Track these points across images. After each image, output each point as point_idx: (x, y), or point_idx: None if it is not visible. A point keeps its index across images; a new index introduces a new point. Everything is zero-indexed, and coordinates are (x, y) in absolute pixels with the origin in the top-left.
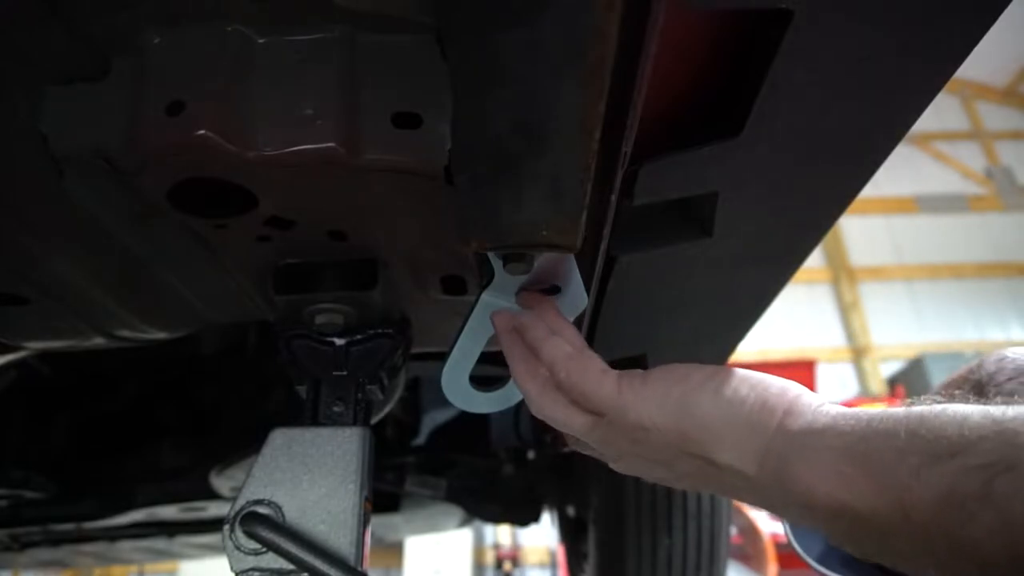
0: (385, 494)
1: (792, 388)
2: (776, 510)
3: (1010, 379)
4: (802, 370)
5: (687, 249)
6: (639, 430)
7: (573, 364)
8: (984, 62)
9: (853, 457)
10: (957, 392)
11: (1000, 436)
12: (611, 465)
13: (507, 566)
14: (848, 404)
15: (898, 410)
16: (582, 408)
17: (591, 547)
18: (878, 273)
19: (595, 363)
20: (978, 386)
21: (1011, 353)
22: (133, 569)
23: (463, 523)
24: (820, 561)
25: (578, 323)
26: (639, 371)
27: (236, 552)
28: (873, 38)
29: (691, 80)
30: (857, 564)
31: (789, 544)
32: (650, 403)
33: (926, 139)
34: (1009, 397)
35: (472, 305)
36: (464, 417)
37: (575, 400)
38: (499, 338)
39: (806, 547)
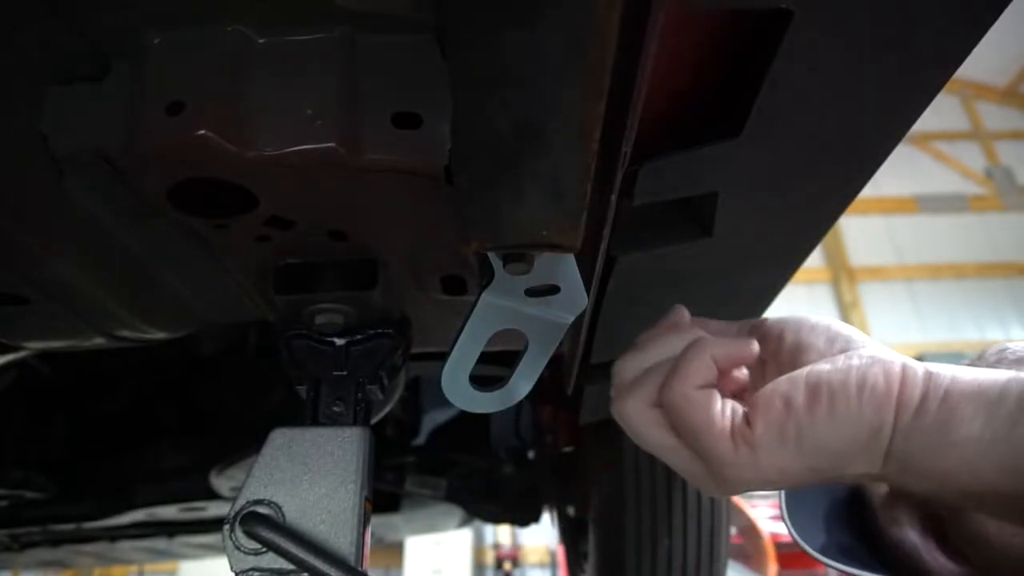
0: (385, 494)
1: (893, 374)
2: (903, 491)
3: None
4: None
5: (687, 249)
6: (764, 483)
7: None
8: (984, 62)
9: (980, 449)
10: None
11: None
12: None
13: (507, 566)
14: None
15: (1005, 381)
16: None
17: (591, 547)
18: (878, 273)
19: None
20: None
21: (1012, 345)
22: (133, 569)
23: (463, 523)
24: (821, 551)
25: (578, 323)
26: (745, 415)
27: (236, 552)
28: (873, 38)
29: (691, 80)
30: (857, 554)
31: (793, 543)
32: (770, 456)
33: (926, 139)
34: None
35: (472, 305)
36: (464, 417)
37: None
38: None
39: (806, 538)
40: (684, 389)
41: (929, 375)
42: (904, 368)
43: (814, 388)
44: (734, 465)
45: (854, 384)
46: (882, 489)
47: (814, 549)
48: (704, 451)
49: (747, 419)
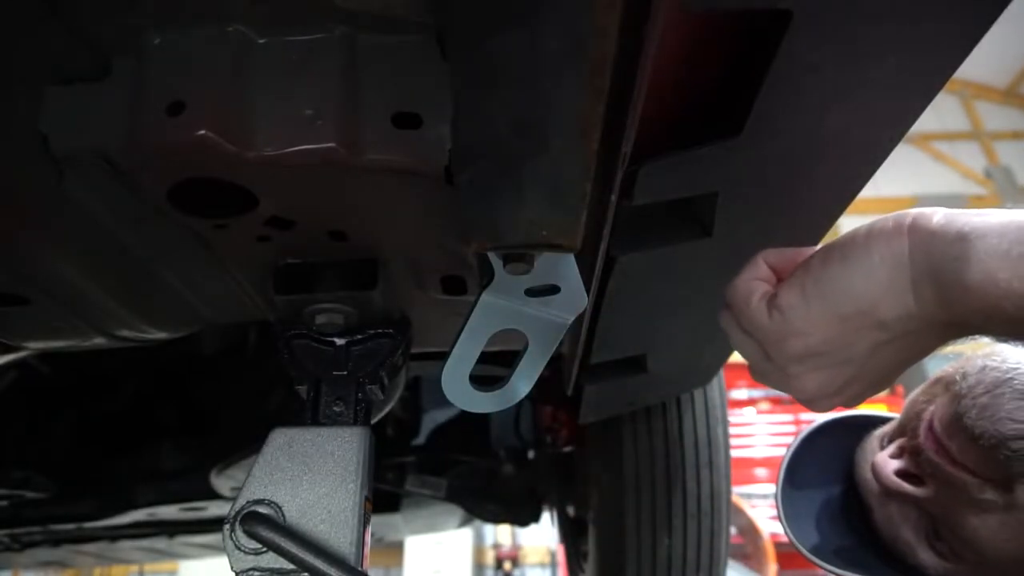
0: (385, 494)
1: (904, 215)
2: (962, 330)
3: (985, 392)
4: None
5: (687, 249)
6: (807, 349)
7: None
8: (984, 62)
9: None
10: (943, 395)
11: None
12: (799, 387)
13: (507, 566)
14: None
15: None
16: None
17: (591, 547)
18: None
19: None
20: (956, 397)
21: (992, 362)
22: (133, 569)
23: (463, 523)
24: (814, 552)
25: (578, 323)
26: (774, 291)
27: (236, 552)
28: (873, 38)
29: (691, 80)
30: (850, 554)
31: (790, 543)
32: (799, 315)
33: (926, 139)
34: (982, 411)
35: (472, 305)
36: (464, 417)
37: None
38: None
39: (801, 538)
40: (735, 282)
41: (942, 211)
42: (917, 212)
43: (827, 248)
44: (775, 332)
45: (863, 232)
46: (877, 488)
47: (808, 549)
48: (753, 328)
49: (780, 295)
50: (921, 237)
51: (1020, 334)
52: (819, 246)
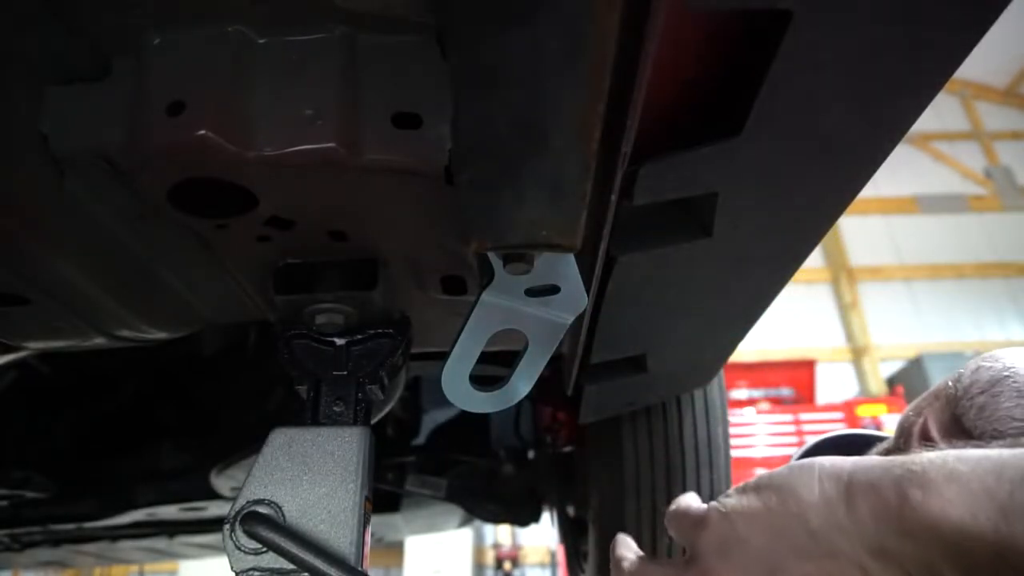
0: (385, 494)
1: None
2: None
3: (982, 392)
4: (802, 370)
5: (687, 249)
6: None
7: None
8: (984, 62)
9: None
10: (935, 404)
11: None
12: None
13: (507, 566)
14: (847, 404)
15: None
16: None
17: (591, 547)
18: (878, 273)
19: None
20: (953, 400)
21: (987, 363)
22: (133, 569)
23: (463, 523)
24: None
25: (578, 323)
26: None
27: (236, 552)
28: (873, 38)
29: (691, 80)
30: None
31: None
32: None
33: (926, 139)
34: (980, 411)
35: (472, 305)
36: (464, 417)
37: None
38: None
39: None
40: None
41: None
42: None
43: (736, 511)
44: (713, 533)
45: (777, 502)
46: None
47: None
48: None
49: None
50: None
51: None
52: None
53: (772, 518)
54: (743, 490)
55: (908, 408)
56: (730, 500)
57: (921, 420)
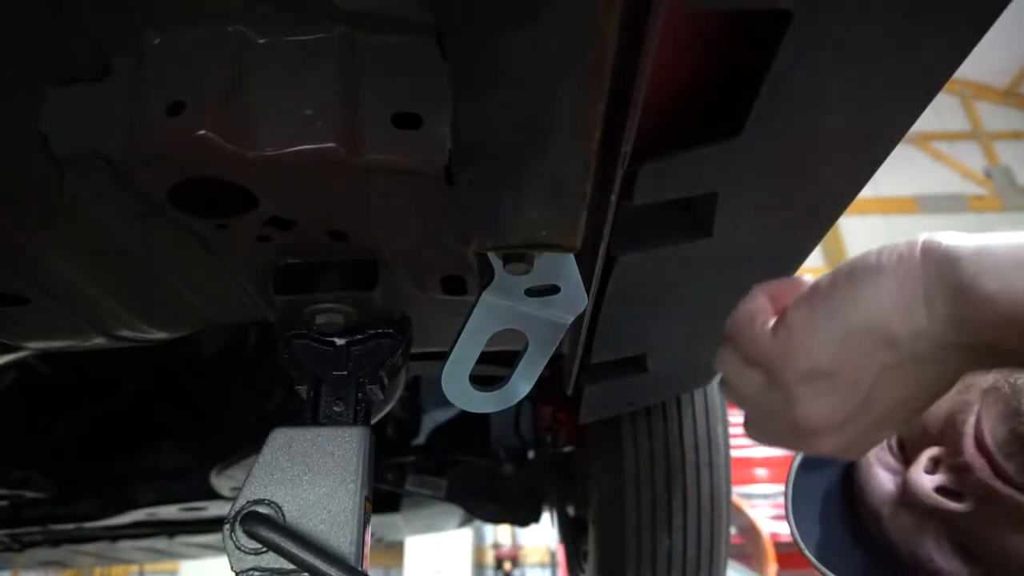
0: (385, 494)
1: (917, 239)
2: (974, 356)
3: None
4: None
5: (687, 249)
6: (815, 368)
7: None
8: (984, 62)
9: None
10: (986, 401)
11: None
12: (805, 413)
13: (507, 566)
14: None
15: None
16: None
17: (591, 547)
18: None
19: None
20: (1012, 413)
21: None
22: (134, 569)
23: (463, 523)
24: (818, 547)
25: (578, 323)
26: (778, 318)
27: (236, 552)
28: (873, 38)
29: (691, 80)
30: (853, 553)
31: (793, 542)
32: (806, 333)
33: (926, 139)
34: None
35: (472, 305)
36: (464, 417)
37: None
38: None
39: (804, 535)
40: (734, 314)
41: (954, 232)
42: (929, 234)
43: (835, 269)
44: (781, 351)
45: (874, 253)
46: (891, 492)
47: (810, 548)
48: (756, 353)
49: (787, 319)
50: (935, 255)
51: None
52: (819, 275)
53: (850, 331)
54: (810, 301)
55: (943, 398)
56: (800, 315)
57: (971, 420)
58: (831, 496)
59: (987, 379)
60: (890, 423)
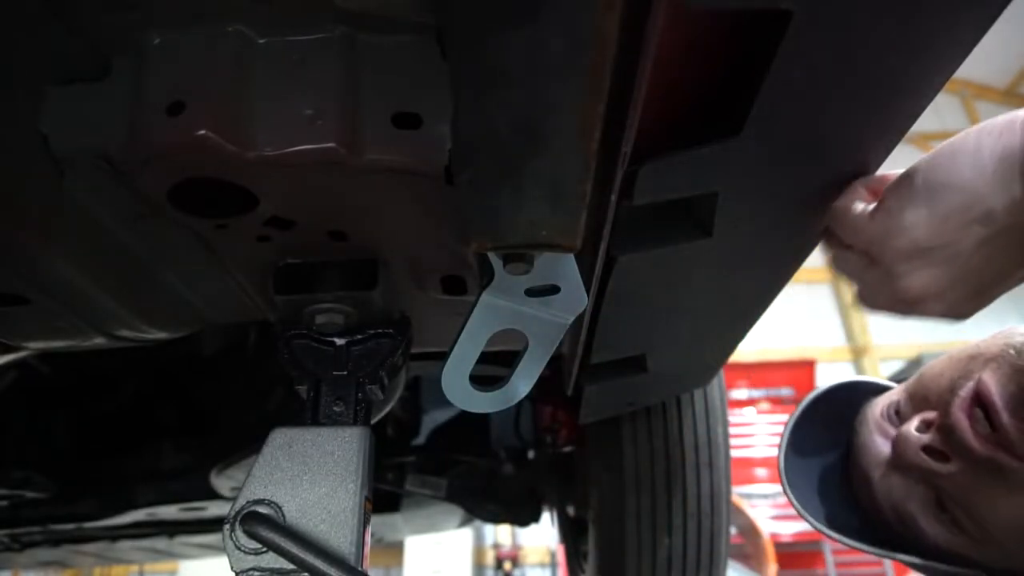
0: (385, 494)
1: (1017, 114)
2: None
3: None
4: (802, 370)
5: (687, 249)
6: (913, 245)
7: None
8: (984, 62)
9: None
10: (991, 366)
11: None
12: (905, 287)
13: (507, 566)
14: None
15: None
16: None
17: (591, 547)
18: None
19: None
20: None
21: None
22: (133, 569)
23: (463, 523)
24: (829, 523)
25: (578, 323)
26: (875, 202)
27: (236, 552)
28: (873, 38)
29: (691, 80)
30: (865, 532)
31: (793, 539)
32: (904, 211)
33: (926, 139)
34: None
35: (472, 305)
36: (464, 417)
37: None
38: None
39: (812, 512)
40: (834, 204)
41: None
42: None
43: (934, 150)
44: (881, 231)
45: (973, 131)
46: (884, 455)
47: (820, 522)
48: (856, 234)
49: (883, 203)
50: None
51: None
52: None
53: (948, 208)
54: (906, 183)
55: (942, 364)
56: (897, 196)
57: (970, 385)
58: (828, 476)
59: (993, 349)
60: (985, 294)
